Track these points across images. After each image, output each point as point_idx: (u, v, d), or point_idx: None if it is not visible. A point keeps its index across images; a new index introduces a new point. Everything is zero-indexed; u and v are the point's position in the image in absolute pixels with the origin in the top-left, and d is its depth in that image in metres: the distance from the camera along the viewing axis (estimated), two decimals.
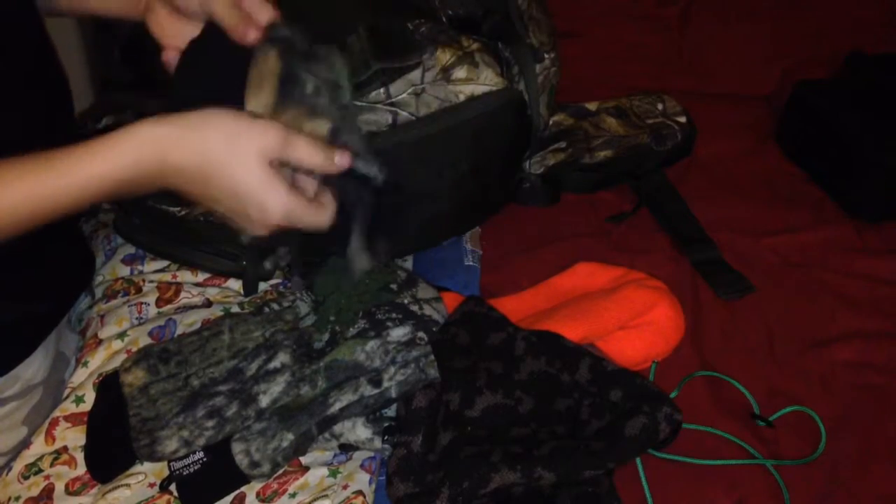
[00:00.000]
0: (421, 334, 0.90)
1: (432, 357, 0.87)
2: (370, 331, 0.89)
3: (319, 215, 0.73)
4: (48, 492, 0.86)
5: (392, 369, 0.86)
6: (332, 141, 0.74)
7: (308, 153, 0.70)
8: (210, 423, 0.86)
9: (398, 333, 0.89)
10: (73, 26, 1.41)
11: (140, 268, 1.08)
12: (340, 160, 0.71)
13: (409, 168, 0.97)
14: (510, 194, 1.17)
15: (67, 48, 1.30)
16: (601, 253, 1.11)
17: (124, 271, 1.08)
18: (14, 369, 0.89)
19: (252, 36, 0.75)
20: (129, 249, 1.09)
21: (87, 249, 1.03)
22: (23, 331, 0.90)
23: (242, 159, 0.67)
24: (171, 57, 0.79)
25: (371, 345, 0.88)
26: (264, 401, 0.87)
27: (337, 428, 0.87)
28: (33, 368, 0.92)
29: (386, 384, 0.86)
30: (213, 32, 0.77)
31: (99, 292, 1.06)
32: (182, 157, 0.67)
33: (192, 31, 0.79)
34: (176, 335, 0.99)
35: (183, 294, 1.05)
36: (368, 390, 0.85)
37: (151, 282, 1.05)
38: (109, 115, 1.09)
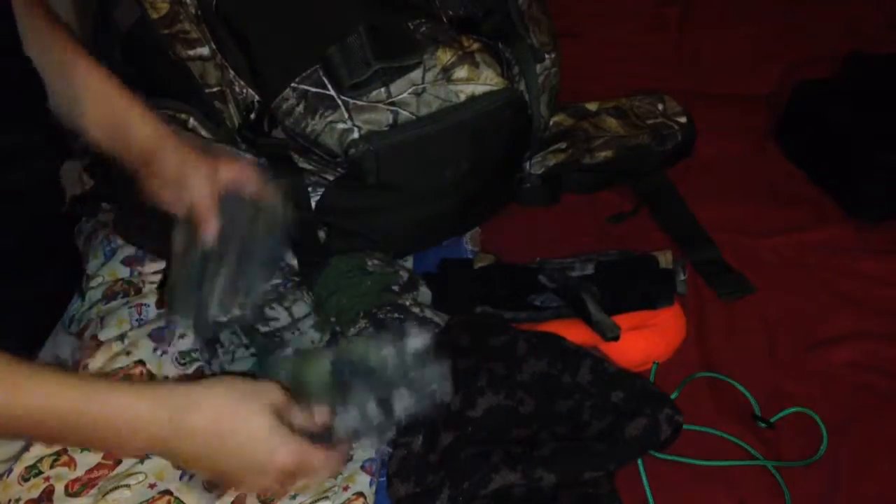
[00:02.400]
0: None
1: (448, 379, 0.81)
2: (384, 334, 0.85)
3: (330, 457, 0.74)
4: (48, 493, 0.86)
5: (404, 392, 0.79)
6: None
7: (303, 421, 0.72)
8: None
9: (416, 344, 0.85)
10: (72, 26, 1.40)
11: (140, 268, 1.08)
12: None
13: (409, 167, 0.97)
14: (510, 194, 1.17)
15: None
16: None
17: (124, 272, 1.07)
18: None
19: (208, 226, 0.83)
20: (129, 250, 1.09)
21: (77, 253, 1.03)
22: (21, 343, 0.90)
23: (253, 413, 0.69)
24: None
25: (386, 352, 0.81)
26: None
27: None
28: None
29: (397, 412, 0.78)
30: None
31: (98, 293, 1.06)
32: (195, 420, 0.68)
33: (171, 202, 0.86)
34: (177, 334, 0.98)
35: None
36: (374, 414, 0.78)
37: (151, 283, 1.05)
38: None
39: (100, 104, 0.86)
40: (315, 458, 0.72)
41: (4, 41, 0.77)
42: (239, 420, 0.69)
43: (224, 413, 0.69)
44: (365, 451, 0.90)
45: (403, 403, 0.76)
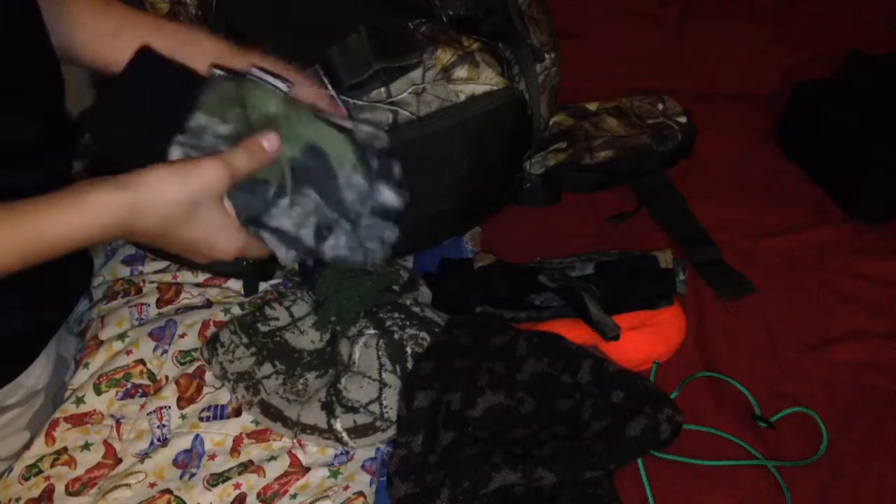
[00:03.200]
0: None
1: (390, 246, 0.81)
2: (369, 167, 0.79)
3: (265, 250, 0.79)
4: (48, 492, 0.86)
5: (343, 232, 0.79)
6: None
7: (246, 164, 0.73)
8: None
9: (387, 198, 0.80)
10: None
11: (140, 268, 1.08)
12: (270, 144, 0.75)
13: (410, 167, 0.97)
14: (511, 194, 1.17)
15: None
16: None
17: (124, 272, 1.07)
18: (17, 378, 0.89)
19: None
20: (129, 250, 1.09)
21: (86, 252, 1.03)
22: (25, 340, 0.90)
23: (199, 210, 0.72)
24: None
25: (359, 180, 0.78)
26: None
27: (265, 234, 0.79)
28: (35, 375, 0.92)
29: (326, 247, 0.79)
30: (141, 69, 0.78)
31: (99, 293, 1.06)
32: (145, 224, 0.71)
33: None
34: (177, 333, 0.99)
35: (183, 295, 1.04)
36: (308, 238, 0.78)
37: (152, 282, 1.05)
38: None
39: (99, 17, 0.85)
40: (255, 252, 0.79)
41: (29, 37, 0.78)
42: (187, 219, 0.72)
43: (171, 215, 0.71)
44: (365, 451, 0.90)
45: (336, 251, 0.78)
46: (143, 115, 0.77)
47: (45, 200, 0.68)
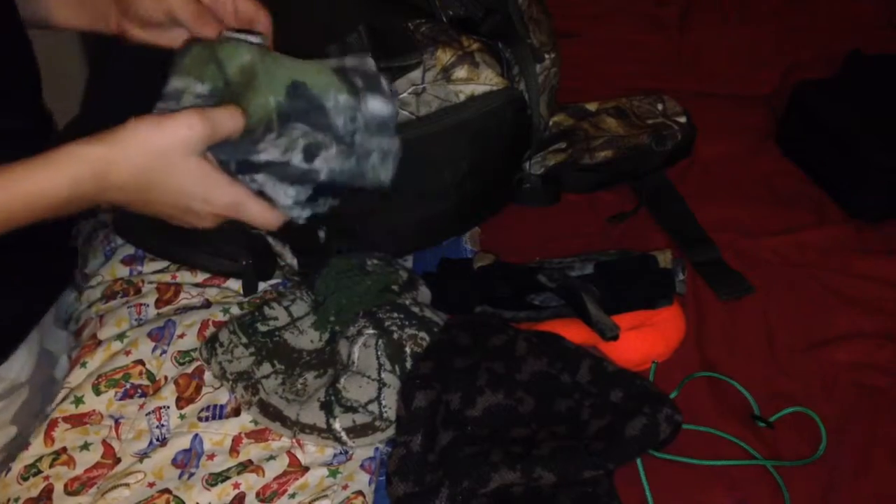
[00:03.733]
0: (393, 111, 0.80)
1: (394, 159, 0.79)
2: (353, 84, 0.78)
3: (266, 210, 0.75)
4: (47, 492, 0.86)
5: (335, 147, 0.77)
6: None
7: (228, 121, 0.71)
8: None
9: (377, 108, 0.78)
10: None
11: (139, 268, 1.08)
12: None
13: (409, 167, 0.97)
14: (510, 194, 1.17)
15: (69, 46, 1.30)
16: None
17: (123, 272, 1.08)
18: None
19: (207, 31, 0.77)
20: (129, 250, 1.09)
21: (69, 242, 1.03)
22: (3, 332, 0.90)
23: (177, 161, 0.69)
24: None
25: (345, 98, 0.77)
26: None
27: (259, 177, 0.78)
28: (17, 367, 0.91)
29: (318, 164, 0.77)
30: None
31: (97, 293, 1.06)
32: (120, 177, 0.68)
33: (169, 41, 0.80)
34: (176, 333, 0.99)
35: (182, 295, 1.05)
36: (298, 160, 0.76)
37: (151, 283, 1.05)
38: None
39: None
40: (250, 206, 0.73)
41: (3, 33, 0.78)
42: (163, 172, 0.69)
43: (147, 168, 0.68)
44: (364, 450, 0.90)
45: (330, 163, 0.76)
46: (127, 102, 0.75)
47: (20, 161, 0.67)
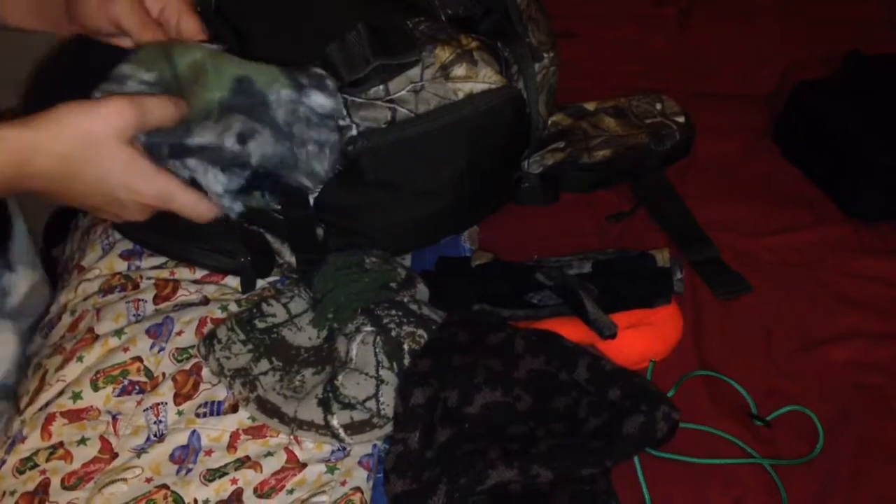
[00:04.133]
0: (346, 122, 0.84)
1: (331, 152, 0.81)
2: (300, 76, 0.80)
3: (197, 200, 0.74)
4: (44, 486, 0.86)
5: (269, 133, 0.77)
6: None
7: (161, 110, 0.69)
8: None
9: (319, 101, 0.80)
10: None
11: (138, 263, 1.08)
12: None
13: (408, 165, 0.97)
14: (509, 193, 1.17)
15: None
16: None
17: (122, 266, 1.08)
18: None
19: (147, 37, 0.77)
20: (127, 244, 1.09)
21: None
22: None
23: (102, 149, 0.67)
24: None
25: (287, 93, 0.78)
26: None
27: (191, 162, 0.77)
28: None
29: (251, 147, 0.76)
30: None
31: (95, 286, 1.06)
32: (43, 164, 0.66)
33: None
34: (174, 331, 0.99)
35: (180, 291, 1.05)
36: (230, 143, 0.76)
37: (149, 278, 1.05)
38: None
39: None
40: (180, 195, 0.71)
41: None
42: (89, 159, 0.67)
43: (69, 156, 0.66)
44: (362, 447, 0.90)
45: (263, 147, 0.76)
46: (73, 85, 0.75)
47: None
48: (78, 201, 0.71)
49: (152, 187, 0.70)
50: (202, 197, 0.75)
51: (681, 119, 1.26)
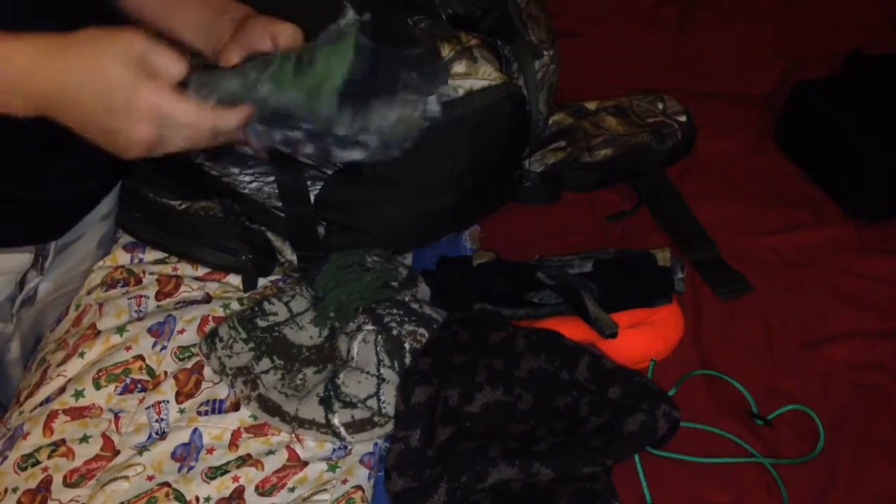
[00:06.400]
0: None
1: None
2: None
3: (194, 108, 0.72)
4: (46, 483, 0.86)
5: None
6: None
7: (169, 58, 0.71)
8: None
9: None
10: None
11: (141, 256, 1.08)
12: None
13: (408, 162, 0.97)
14: (510, 192, 1.17)
15: None
16: None
17: (125, 258, 1.08)
18: None
19: None
20: (131, 237, 1.10)
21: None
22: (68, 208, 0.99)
23: (106, 60, 0.68)
24: None
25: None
26: None
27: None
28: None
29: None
30: None
31: (98, 278, 1.06)
32: (42, 81, 0.69)
33: None
34: (176, 329, 0.99)
35: (183, 288, 1.05)
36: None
37: (152, 274, 1.06)
38: None
39: None
40: (179, 108, 0.70)
41: None
42: (88, 72, 0.69)
43: (73, 71, 0.69)
44: (363, 445, 0.90)
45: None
46: None
47: None
48: (73, 116, 0.71)
49: (148, 101, 0.69)
50: (200, 105, 0.73)
51: (682, 118, 1.26)
